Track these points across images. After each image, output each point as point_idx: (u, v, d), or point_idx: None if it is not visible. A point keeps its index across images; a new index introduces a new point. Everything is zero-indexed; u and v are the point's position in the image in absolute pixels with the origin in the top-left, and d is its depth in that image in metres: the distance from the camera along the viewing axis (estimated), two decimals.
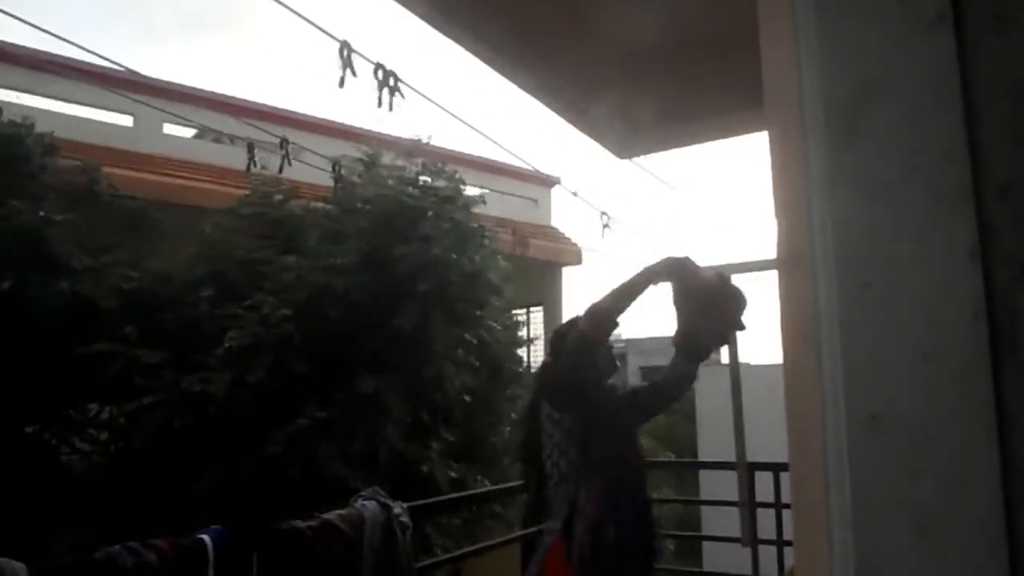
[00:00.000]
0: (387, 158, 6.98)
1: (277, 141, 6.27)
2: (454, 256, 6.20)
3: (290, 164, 5.87)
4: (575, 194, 6.52)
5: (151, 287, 6.02)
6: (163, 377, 5.48)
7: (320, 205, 7.04)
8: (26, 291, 5.35)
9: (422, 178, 6.75)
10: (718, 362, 3.19)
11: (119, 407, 5.59)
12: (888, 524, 0.62)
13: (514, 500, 6.58)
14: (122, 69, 5.87)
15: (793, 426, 0.78)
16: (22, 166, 5.96)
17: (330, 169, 6.83)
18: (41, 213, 5.60)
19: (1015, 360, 0.61)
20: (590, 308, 2.14)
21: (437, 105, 4.26)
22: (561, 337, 2.33)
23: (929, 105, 0.65)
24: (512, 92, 2.07)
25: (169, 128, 9.61)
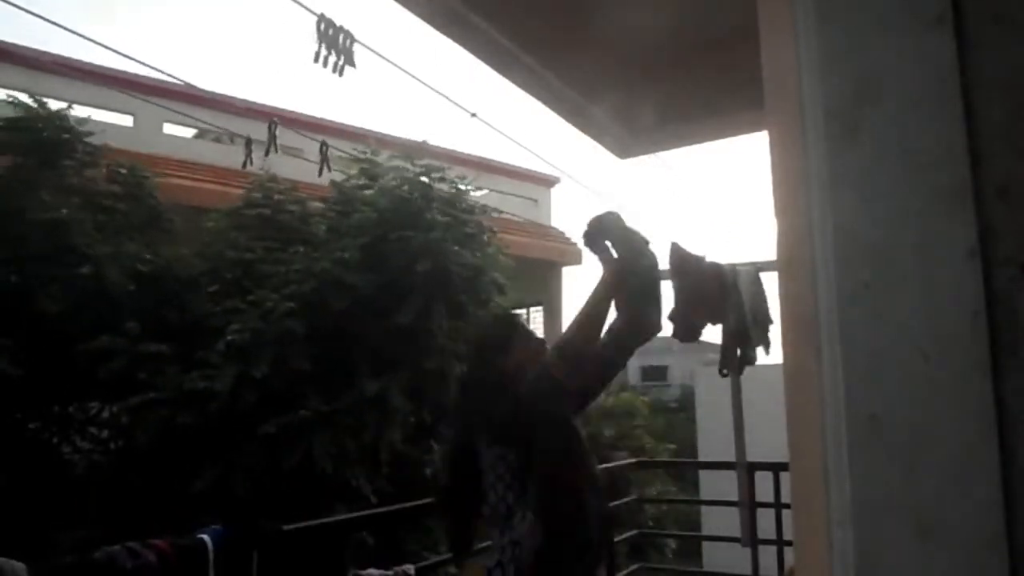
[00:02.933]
0: (388, 158, 6.99)
1: (279, 141, 6.29)
2: (455, 248, 6.21)
3: (276, 151, 5.91)
4: (558, 177, 6.49)
5: (167, 272, 6.12)
6: (166, 373, 5.49)
7: (319, 205, 7.05)
8: (44, 278, 5.45)
9: (423, 179, 6.76)
10: (718, 362, 3.19)
11: (122, 403, 5.60)
12: (888, 524, 0.62)
13: None
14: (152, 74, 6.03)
15: (793, 426, 0.78)
16: (53, 163, 6.12)
17: (328, 159, 6.85)
18: (64, 211, 5.75)
19: (1015, 360, 0.61)
20: (557, 344, 1.94)
21: (439, 93, 4.25)
22: (486, 354, 2.11)
23: (929, 105, 0.65)
24: (511, 92, 2.07)
25: (169, 128, 9.62)
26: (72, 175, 6.25)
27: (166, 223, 6.77)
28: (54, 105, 6.55)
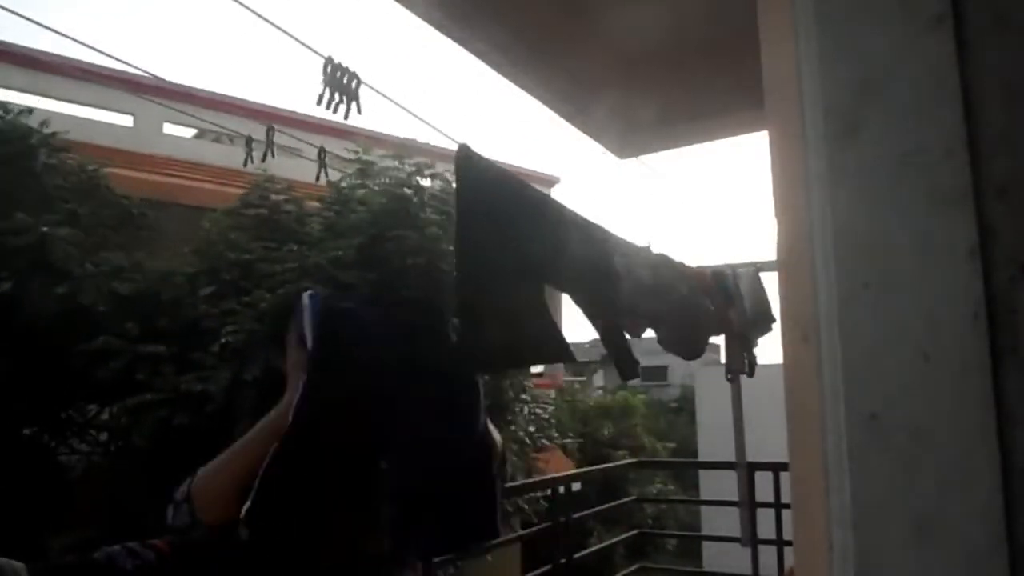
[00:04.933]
0: (383, 157, 7.00)
1: (277, 141, 6.29)
2: (448, 247, 6.22)
3: (273, 156, 5.90)
4: None
5: (149, 289, 6.04)
6: (163, 374, 5.49)
7: (316, 204, 7.06)
8: (24, 297, 5.38)
9: (416, 177, 6.78)
10: (718, 362, 3.19)
11: (120, 405, 5.60)
12: (888, 524, 0.62)
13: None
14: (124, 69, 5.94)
15: (793, 426, 0.78)
16: (29, 170, 6.03)
17: (326, 166, 6.86)
18: (44, 229, 5.62)
19: (1015, 360, 0.61)
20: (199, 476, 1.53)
21: (442, 132, 4.22)
22: None
23: (929, 105, 0.65)
24: (503, 96, 2.07)
25: (169, 128, 9.62)
26: (43, 177, 6.08)
27: (140, 218, 6.62)
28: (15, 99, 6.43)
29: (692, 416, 12.17)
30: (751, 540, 3.76)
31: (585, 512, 5.46)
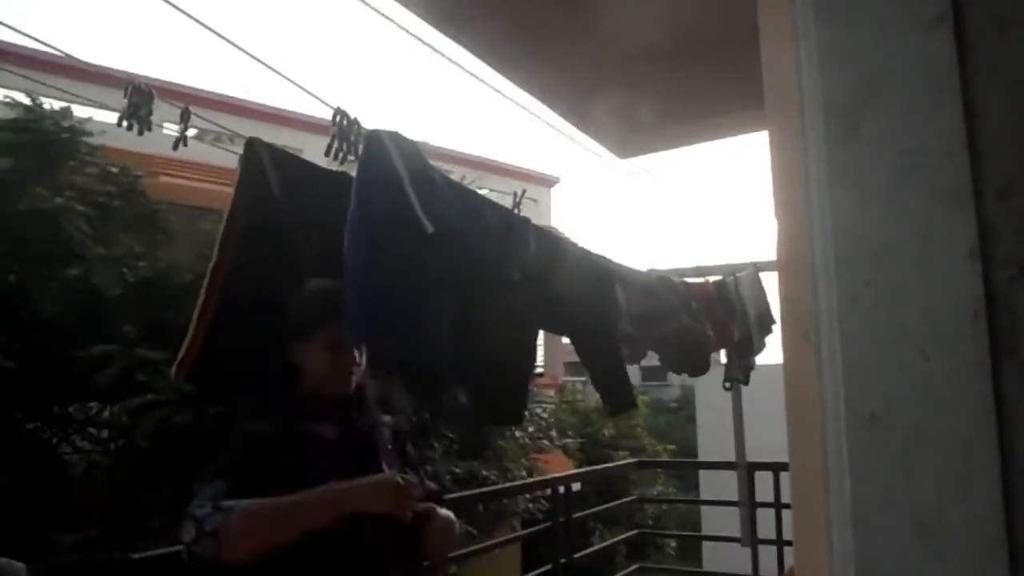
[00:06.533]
0: None
1: (278, 142, 6.31)
2: None
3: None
4: None
5: (157, 278, 6.12)
6: (165, 374, 5.49)
7: None
8: (36, 279, 5.44)
9: None
10: (718, 362, 3.20)
11: (121, 404, 5.60)
12: (888, 524, 0.62)
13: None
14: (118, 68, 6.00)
15: (793, 426, 0.78)
16: (57, 161, 6.11)
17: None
18: (59, 200, 5.72)
19: (1015, 360, 0.61)
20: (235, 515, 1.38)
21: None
22: None
23: (929, 105, 0.65)
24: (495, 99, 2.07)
25: (169, 128, 9.61)
26: (70, 175, 6.25)
27: (162, 222, 6.77)
28: (53, 105, 6.54)
29: (692, 416, 12.17)
30: (751, 540, 3.76)
31: (585, 512, 5.46)
